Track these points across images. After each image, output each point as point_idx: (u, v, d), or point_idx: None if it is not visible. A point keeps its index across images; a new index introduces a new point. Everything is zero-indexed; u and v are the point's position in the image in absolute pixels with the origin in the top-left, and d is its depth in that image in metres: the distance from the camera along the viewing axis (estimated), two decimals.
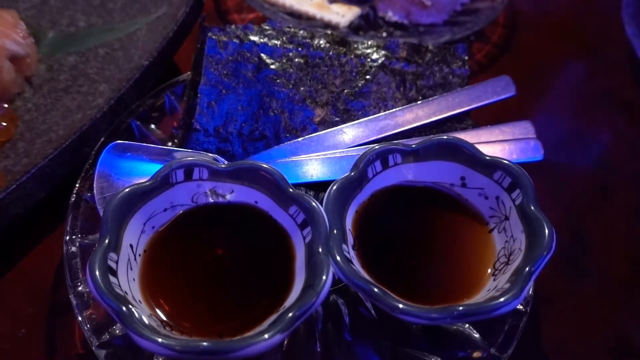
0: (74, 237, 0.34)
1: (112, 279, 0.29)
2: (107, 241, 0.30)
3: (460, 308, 0.29)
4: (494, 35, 0.55)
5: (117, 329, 0.31)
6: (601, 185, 0.47)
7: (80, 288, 0.32)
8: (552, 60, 0.56)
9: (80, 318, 0.31)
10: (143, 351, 0.28)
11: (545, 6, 0.62)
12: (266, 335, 0.27)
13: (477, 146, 0.36)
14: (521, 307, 0.33)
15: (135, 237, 0.32)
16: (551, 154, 0.42)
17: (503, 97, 0.43)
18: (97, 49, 0.44)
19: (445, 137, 0.37)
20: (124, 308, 0.27)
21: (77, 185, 0.36)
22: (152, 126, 0.41)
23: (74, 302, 0.31)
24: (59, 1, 0.48)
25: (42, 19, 0.46)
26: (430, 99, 0.42)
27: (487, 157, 0.36)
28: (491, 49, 0.55)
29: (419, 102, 0.42)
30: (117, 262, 0.30)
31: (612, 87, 0.54)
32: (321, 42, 0.43)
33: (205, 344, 0.26)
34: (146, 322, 0.28)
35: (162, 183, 0.33)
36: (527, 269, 0.30)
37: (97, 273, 0.28)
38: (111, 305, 0.27)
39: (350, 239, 0.34)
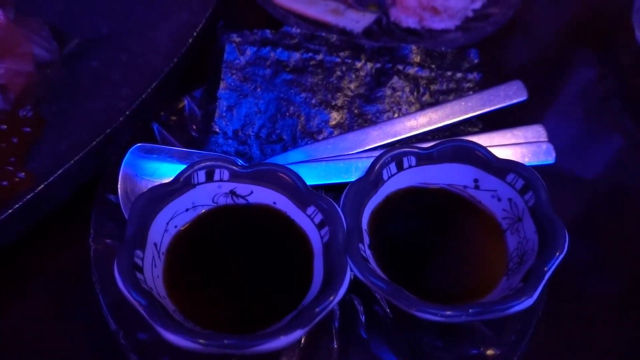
0: (99, 235, 0.35)
1: (138, 275, 0.30)
2: (133, 239, 0.31)
3: (475, 306, 0.30)
4: (505, 39, 0.56)
5: (143, 324, 0.32)
6: (613, 188, 0.48)
7: (106, 283, 0.33)
8: (563, 64, 0.57)
9: (106, 312, 0.32)
10: (169, 345, 0.29)
11: (554, 11, 0.63)
12: (287, 331, 0.28)
13: (490, 149, 0.37)
14: (534, 306, 0.34)
15: (159, 235, 0.34)
16: (563, 157, 0.42)
17: (515, 101, 0.44)
18: (119, 55, 0.46)
19: (458, 140, 0.38)
20: (150, 303, 0.28)
21: (101, 185, 0.37)
22: (173, 129, 0.42)
23: (101, 297, 0.33)
24: (81, 8, 0.49)
25: (66, 25, 0.47)
26: (443, 103, 0.43)
27: (500, 160, 0.36)
28: (502, 53, 0.55)
29: (432, 106, 0.43)
30: (142, 260, 0.31)
31: (623, 90, 0.55)
32: (336, 47, 0.44)
33: (228, 337, 0.28)
34: (172, 316, 0.29)
35: (184, 184, 0.35)
36: (540, 269, 0.31)
37: (125, 269, 0.29)
38: (138, 300, 0.28)
39: (366, 238, 0.35)
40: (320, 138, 0.42)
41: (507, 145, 0.41)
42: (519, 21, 0.57)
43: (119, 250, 0.30)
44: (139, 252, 0.31)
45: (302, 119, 0.42)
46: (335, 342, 0.34)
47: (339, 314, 0.35)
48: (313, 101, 0.43)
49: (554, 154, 0.41)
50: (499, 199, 0.36)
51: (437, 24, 0.54)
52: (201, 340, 0.27)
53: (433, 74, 0.44)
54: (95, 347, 0.35)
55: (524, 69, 0.55)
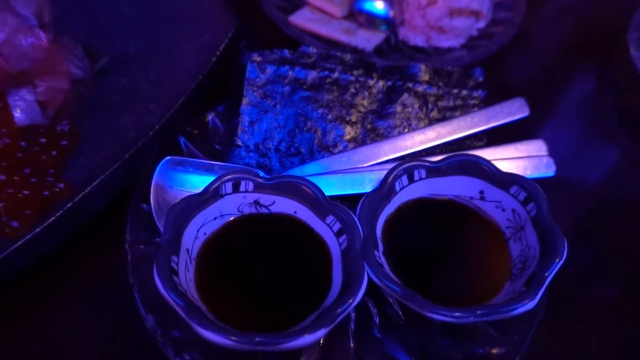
0: (134, 242, 0.38)
1: (174, 278, 0.33)
2: (169, 245, 0.34)
3: (482, 308, 0.33)
4: (509, 57, 0.59)
5: (177, 322, 0.34)
6: (609, 199, 0.51)
7: (142, 286, 0.36)
8: (563, 81, 0.60)
9: (143, 312, 0.35)
10: (200, 342, 0.32)
11: (554, 29, 0.66)
12: (311, 330, 0.31)
13: (494, 163, 0.40)
14: (536, 308, 0.37)
15: (190, 242, 0.36)
16: (563, 170, 0.45)
17: (518, 117, 0.47)
18: (146, 72, 0.49)
19: (465, 154, 0.41)
20: (187, 304, 0.31)
21: (135, 195, 0.40)
22: (198, 142, 0.45)
23: (138, 299, 0.35)
24: (110, 27, 0.52)
25: (96, 44, 0.50)
26: (450, 118, 0.46)
27: (504, 173, 0.39)
28: (506, 70, 0.58)
29: (440, 121, 0.46)
30: (177, 264, 0.34)
31: (618, 107, 0.58)
32: (349, 66, 0.47)
33: (259, 336, 0.30)
34: (206, 316, 0.31)
35: (213, 194, 0.38)
36: (541, 274, 0.34)
37: (163, 273, 0.32)
38: (177, 301, 0.31)
39: (380, 246, 0.38)
40: (335, 151, 0.45)
41: (510, 159, 0.44)
42: (521, 39, 0.60)
43: (157, 255, 0.33)
44: (174, 257, 0.34)
45: (318, 133, 0.45)
46: (351, 342, 0.37)
47: (355, 316, 0.38)
48: (329, 117, 0.46)
49: (554, 167, 0.44)
50: (503, 210, 0.39)
51: (444, 42, 0.57)
52: (234, 338, 0.30)
53: (441, 91, 0.47)
54: (130, 345, 0.37)
55: (526, 85, 0.58)
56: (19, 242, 0.37)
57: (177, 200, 0.37)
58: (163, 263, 0.33)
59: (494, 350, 0.36)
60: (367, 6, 0.57)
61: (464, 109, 0.47)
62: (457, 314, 0.32)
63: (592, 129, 0.57)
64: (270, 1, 0.57)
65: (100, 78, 0.48)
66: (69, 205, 0.39)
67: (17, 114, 0.40)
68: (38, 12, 0.41)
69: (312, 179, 0.39)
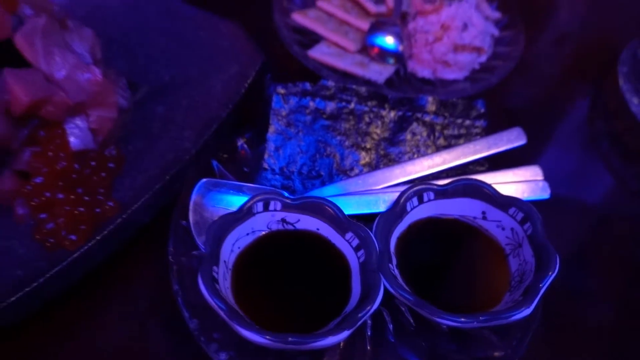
0: (175, 253, 0.43)
1: (216, 285, 0.38)
2: (210, 257, 0.39)
3: (484, 315, 0.37)
4: (507, 88, 0.65)
5: (218, 325, 0.39)
6: (600, 218, 0.56)
7: (185, 292, 0.41)
8: (557, 109, 0.65)
9: (187, 316, 0.40)
10: (240, 342, 0.36)
11: (549, 61, 0.72)
12: (336, 331, 0.36)
13: (495, 186, 0.45)
14: (532, 316, 0.41)
15: (227, 254, 0.41)
16: (558, 191, 0.50)
17: (516, 145, 0.52)
18: (180, 101, 0.54)
19: (469, 179, 0.46)
20: (229, 308, 0.36)
21: (175, 213, 0.45)
22: (228, 165, 0.50)
23: (181, 303, 0.40)
24: (146, 60, 0.57)
25: (134, 75, 0.56)
26: (455, 146, 0.51)
27: (503, 196, 0.44)
28: (505, 101, 0.64)
29: (446, 148, 0.51)
30: (217, 274, 0.39)
31: (610, 133, 0.63)
32: (364, 97, 0.53)
33: (291, 336, 0.35)
34: (245, 318, 0.36)
35: (246, 213, 0.43)
36: (536, 285, 0.38)
37: (207, 281, 0.37)
38: (219, 305, 0.36)
39: (394, 259, 0.42)
40: (352, 175, 0.50)
41: (509, 183, 0.49)
42: (519, 70, 0.66)
43: (200, 266, 0.38)
44: (215, 268, 0.39)
45: (337, 158, 0.50)
46: (368, 345, 0.42)
47: (371, 323, 0.43)
48: (346, 143, 0.51)
49: (549, 191, 0.49)
50: (503, 228, 0.44)
51: (448, 75, 0.62)
52: (269, 337, 0.35)
53: (446, 121, 0.53)
54: (172, 345, 0.42)
55: (524, 114, 0.64)
56: (76, 254, 0.42)
57: (215, 218, 0.43)
58: (206, 272, 0.37)
59: (495, 354, 0.41)
60: (379, 41, 0.63)
61: (468, 137, 0.52)
62: (462, 319, 0.37)
63: (585, 153, 0.62)
64: (290, 37, 0.63)
65: (140, 107, 0.53)
66: (118, 221, 0.44)
67: (73, 139, 0.45)
68: (92, 50, 0.47)
69: (332, 200, 0.44)
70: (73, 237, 0.42)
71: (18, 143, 0.44)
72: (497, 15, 0.66)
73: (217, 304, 0.36)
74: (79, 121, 0.46)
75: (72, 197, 0.44)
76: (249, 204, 0.43)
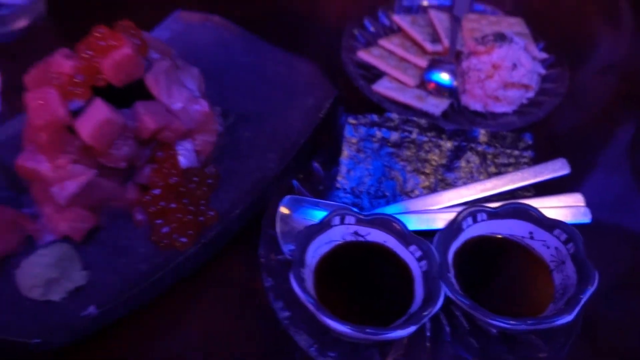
0: (266, 257, 0.51)
1: (304, 284, 0.45)
2: (299, 261, 0.47)
3: (532, 319, 0.44)
4: (553, 122, 0.71)
5: (304, 317, 0.47)
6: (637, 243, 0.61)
7: (276, 289, 0.49)
8: (600, 141, 0.71)
9: (278, 308, 0.48)
10: (323, 333, 0.44)
11: (594, 90, 0.78)
12: (405, 326, 0.43)
13: (541, 210, 0.51)
14: (573, 323, 0.47)
15: (310, 259, 0.49)
16: (598, 218, 0.56)
17: (560, 174, 0.58)
18: (264, 127, 0.63)
19: (518, 203, 0.52)
20: (316, 302, 0.44)
21: (264, 223, 0.54)
22: (305, 184, 0.59)
23: (272, 299, 0.48)
24: (234, 91, 0.67)
25: (224, 104, 0.65)
26: (505, 173, 0.58)
27: (549, 219, 0.51)
28: (551, 133, 0.70)
29: (496, 175, 0.58)
30: (304, 275, 0.47)
31: None
32: (424, 129, 0.60)
33: (369, 327, 0.42)
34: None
35: (326, 225, 0.50)
36: (577, 296, 0.45)
37: (298, 280, 0.45)
38: (308, 299, 0.44)
39: (451, 270, 0.49)
40: (413, 196, 0.57)
41: (554, 208, 0.56)
42: (564, 105, 0.72)
43: (292, 268, 0.46)
44: (302, 270, 0.47)
45: (400, 181, 0.58)
46: (427, 342, 0.48)
47: (430, 325, 0.49)
48: (408, 168, 0.58)
49: (590, 216, 0.55)
50: (548, 247, 0.51)
51: (498, 108, 0.69)
52: (351, 327, 0.42)
53: (497, 151, 0.59)
54: (264, 338, 0.50)
55: (568, 145, 0.70)
56: (186, 253, 0.51)
57: (297, 228, 0.51)
58: (296, 273, 0.45)
59: (540, 355, 0.47)
60: (435, 77, 0.70)
61: (516, 165, 0.59)
62: (513, 322, 0.44)
63: (626, 181, 0.67)
64: (356, 72, 0.71)
65: (230, 132, 0.62)
66: (217, 228, 0.53)
67: (182, 159, 0.54)
68: (199, 85, 0.56)
69: (397, 217, 0.52)
70: (183, 240, 0.51)
71: (141, 161, 0.53)
72: (543, 55, 0.73)
73: (307, 298, 0.44)
74: (187, 144, 0.55)
75: (181, 206, 0.53)
76: (328, 218, 0.50)
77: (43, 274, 0.45)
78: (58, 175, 0.48)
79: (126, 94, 0.50)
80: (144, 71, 0.50)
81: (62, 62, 0.46)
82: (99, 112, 0.46)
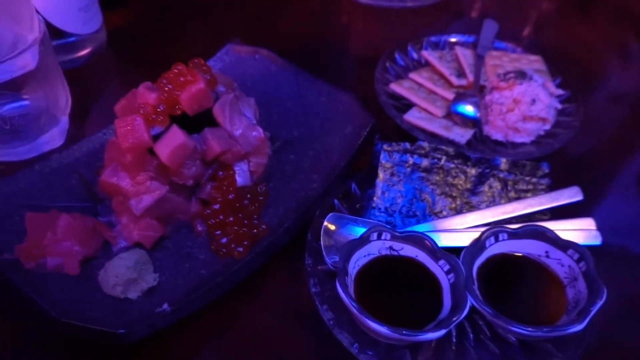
0: (312, 266, 0.58)
1: (348, 290, 0.52)
2: (342, 271, 0.54)
3: (547, 327, 0.50)
4: (568, 153, 0.77)
5: (348, 320, 0.54)
6: None
7: (322, 295, 0.56)
8: (612, 169, 0.77)
9: (322, 311, 0.54)
10: (363, 334, 0.51)
11: (604, 124, 0.84)
12: (436, 329, 0.50)
13: (556, 232, 0.58)
14: (583, 334, 0.53)
15: (351, 270, 0.56)
16: (608, 241, 0.62)
17: (574, 200, 0.65)
18: (307, 151, 0.70)
19: (536, 225, 0.59)
20: (359, 306, 0.51)
21: (309, 236, 0.61)
22: (344, 202, 0.66)
23: (318, 303, 0.55)
24: (278, 118, 0.75)
25: (270, 130, 0.73)
26: (524, 198, 0.65)
27: (563, 240, 0.57)
28: (566, 162, 0.76)
29: (516, 200, 0.65)
30: (346, 283, 0.54)
31: None
32: (451, 156, 0.67)
33: (405, 329, 0.49)
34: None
35: (365, 240, 0.57)
36: (588, 308, 0.51)
37: (343, 286, 0.52)
38: (352, 303, 0.51)
39: (475, 283, 0.56)
40: (441, 216, 0.64)
41: (567, 230, 0.62)
42: (578, 136, 0.78)
43: (338, 276, 0.52)
44: (346, 279, 0.54)
45: (429, 203, 0.65)
46: (453, 347, 0.55)
47: (455, 333, 0.56)
48: (437, 192, 0.65)
49: (600, 239, 0.61)
50: (562, 265, 0.57)
51: (518, 139, 0.76)
52: (389, 328, 0.49)
53: (517, 178, 0.66)
54: (312, 337, 0.57)
55: (582, 175, 0.76)
56: (241, 262, 0.58)
57: (338, 242, 0.58)
58: (342, 281, 0.52)
59: None
60: (461, 109, 0.78)
61: (534, 191, 0.66)
62: (530, 329, 0.50)
63: (635, 206, 0.73)
64: (388, 102, 0.79)
65: (277, 155, 0.70)
66: (268, 240, 0.60)
67: (238, 178, 0.62)
68: (254, 114, 0.64)
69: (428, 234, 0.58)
70: (240, 249, 0.58)
71: (204, 179, 0.61)
72: (560, 92, 0.80)
73: (351, 303, 0.51)
74: (243, 165, 0.63)
75: (237, 220, 0.60)
76: (367, 234, 0.57)
77: (124, 274, 0.53)
78: (136, 190, 0.56)
79: (196, 121, 0.58)
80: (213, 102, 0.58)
81: (147, 94, 0.54)
82: (176, 137, 0.54)
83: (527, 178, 0.66)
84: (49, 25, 0.76)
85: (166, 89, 0.54)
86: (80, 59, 0.88)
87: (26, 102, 0.69)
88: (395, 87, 0.81)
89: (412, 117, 0.77)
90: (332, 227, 0.61)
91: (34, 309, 0.51)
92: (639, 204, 0.74)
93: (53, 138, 0.73)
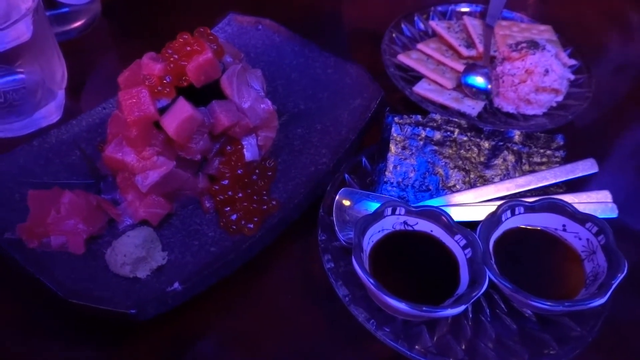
0: (325, 242, 0.57)
1: (364, 267, 0.51)
2: (357, 246, 0.52)
3: (567, 301, 0.49)
4: (581, 124, 0.76)
5: (363, 295, 0.52)
6: None
7: (335, 269, 0.54)
8: (627, 141, 0.76)
9: (336, 286, 0.53)
10: (379, 310, 0.50)
11: (617, 96, 0.83)
12: (455, 305, 0.49)
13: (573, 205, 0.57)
14: (602, 307, 0.52)
15: (366, 246, 0.55)
16: (623, 212, 0.61)
17: (589, 172, 0.63)
18: (315, 125, 0.68)
19: (553, 198, 0.58)
20: (375, 282, 0.49)
21: (321, 211, 0.59)
22: (355, 177, 0.64)
23: (332, 278, 0.54)
24: (284, 91, 0.72)
25: (277, 103, 0.70)
26: (538, 171, 0.63)
27: (581, 212, 0.56)
28: (579, 134, 0.75)
29: (531, 173, 0.63)
30: (362, 259, 0.52)
31: None
32: (464, 129, 0.65)
33: (425, 305, 0.48)
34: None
35: (379, 215, 0.56)
36: (609, 282, 0.50)
37: (358, 262, 0.50)
38: (369, 279, 0.49)
39: (492, 257, 0.55)
40: (454, 190, 0.63)
41: (583, 203, 0.61)
42: (591, 109, 0.77)
43: (353, 252, 0.51)
44: (361, 254, 0.52)
45: (442, 176, 0.63)
46: (470, 322, 0.54)
47: (471, 308, 0.55)
48: (450, 165, 0.64)
49: (617, 211, 0.60)
50: (580, 238, 0.56)
51: (529, 111, 0.74)
52: (407, 304, 0.48)
53: (531, 151, 0.65)
54: (325, 314, 0.56)
55: (597, 145, 0.75)
56: (253, 239, 0.56)
57: (351, 217, 0.57)
58: (358, 256, 0.51)
59: (572, 334, 0.52)
60: (471, 81, 0.75)
61: (549, 164, 0.64)
62: (551, 303, 0.49)
63: None
64: (396, 74, 0.76)
65: (284, 129, 0.68)
66: (279, 216, 0.58)
67: (247, 153, 0.60)
68: (262, 86, 0.62)
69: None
70: (250, 226, 0.57)
71: (211, 154, 0.59)
72: (572, 62, 0.78)
73: (367, 278, 0.49)
74: (251, 139, 0.61)
75: (247, 196, 0.58)
76: (381, 209, 0.56)
77: (133, 253, 0.51)
78: (142, 165, 0.54)
79: (203, 94, 0.56)
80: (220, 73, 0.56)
81: (152, 65, 0.52)
82: (183, 110, 0.52)
83: (542, 150, 0.65)
84: None
85: (172, 59, 0.52)
86: (74, 31, 0.84)
87: (21, 76, 0.66)
88: (403, 58, 0.79)
89: (422, 89, 0.75)
90: (347, 203, 0.59)
91: (41, 290, 0.50)
92: None
93: (50, 113, 0.70)
